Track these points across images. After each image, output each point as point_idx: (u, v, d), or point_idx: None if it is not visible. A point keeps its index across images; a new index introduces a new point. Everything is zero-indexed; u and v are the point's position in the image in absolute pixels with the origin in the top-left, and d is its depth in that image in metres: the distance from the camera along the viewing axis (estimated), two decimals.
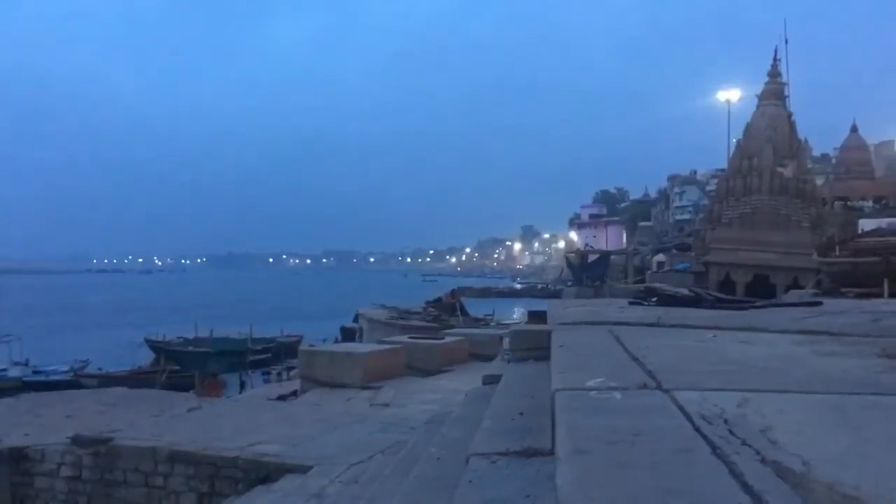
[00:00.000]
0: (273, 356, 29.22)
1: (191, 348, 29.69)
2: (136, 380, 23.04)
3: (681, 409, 2.26)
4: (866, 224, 22.14)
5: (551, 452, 2.31)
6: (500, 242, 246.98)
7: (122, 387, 17.21)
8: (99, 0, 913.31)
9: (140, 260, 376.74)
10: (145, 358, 29.32)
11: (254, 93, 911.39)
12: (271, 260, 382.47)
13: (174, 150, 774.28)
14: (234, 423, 9.75)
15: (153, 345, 30.84)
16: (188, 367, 25.89)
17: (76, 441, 9.18)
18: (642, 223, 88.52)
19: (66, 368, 27.22)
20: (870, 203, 45.70)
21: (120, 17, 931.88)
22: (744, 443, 1.86)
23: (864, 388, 2.64)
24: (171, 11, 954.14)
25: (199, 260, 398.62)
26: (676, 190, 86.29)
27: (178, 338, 31.85)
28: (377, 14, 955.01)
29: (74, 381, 23.95)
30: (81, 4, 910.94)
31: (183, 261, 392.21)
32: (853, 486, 1.51)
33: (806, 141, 39.59)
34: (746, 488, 1.52)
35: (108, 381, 22.64)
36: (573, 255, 63.97)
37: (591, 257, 55.20)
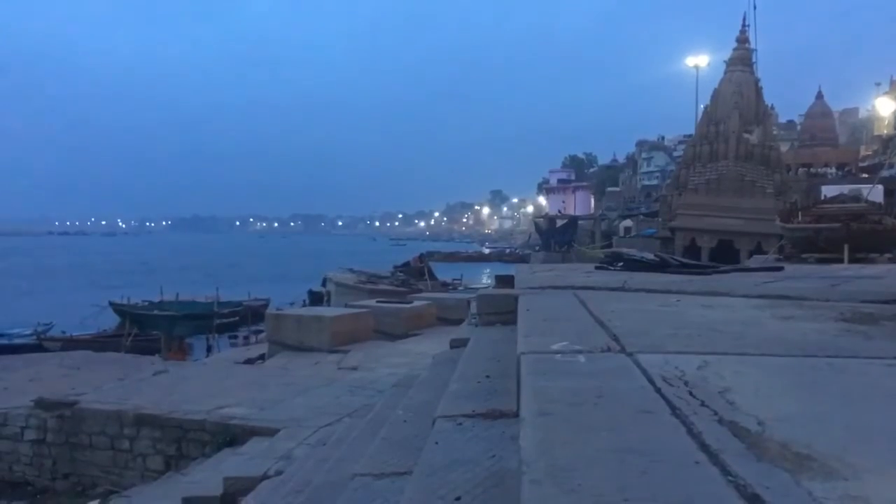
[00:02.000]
0: (240, 320, 29.07)
1: (156, 312, 29.41)
2: (101, 343, 22.77)
3: (643, 371, 2.30)
4: (829, 191, 22.44)
5: (516, 414, 2.35)
6: (468, 207, 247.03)
7: (86, 350, 17.03)
8: None
9: (103, 222, 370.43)
10: (110, 322, 28.99)
11: (226, 56, 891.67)
12: (238, 223, 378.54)
13: (139, 112, 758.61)
14: (201, 386, 9.73)
15: (118, 308, 30.47)
16: (154, 330, 25.68)
17: (40, 404, 9.10)
18: (610, 188, 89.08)
19: (28, 332, 26.81)
20: (833, 170, 46.34)
21: None
22: (703, 404, 1.90)
23: (820, 351, 2.71)
24: None
25: (163, 223, 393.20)
26: (644, 155, 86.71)
27: (144, 301, 31.50)
28: None
29: (37, 345, 23.61)
30: None
31: (147, 223, 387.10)
32: (805, 445, 1.56)
33: (772, 107, 39.92)
34: (704, 447, 1.56)
35: (72, 344, 22.33)
36: (542, 220, 64.44)
37: (560, 222, 55.68)
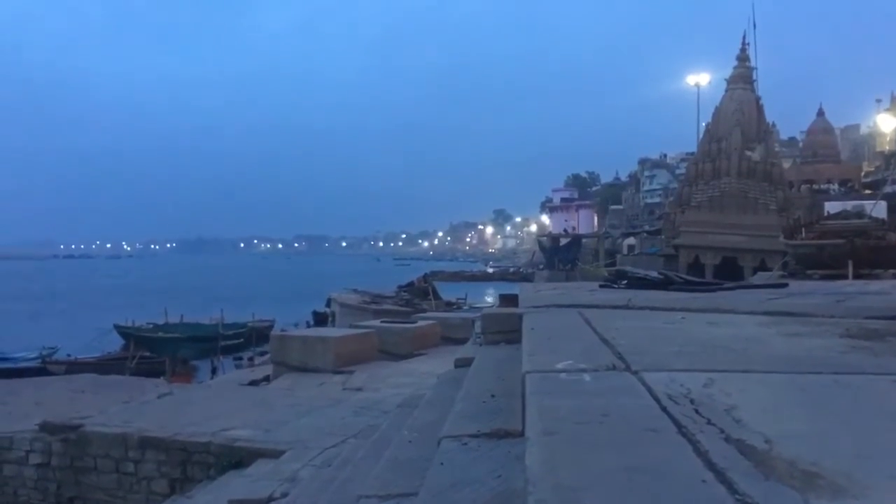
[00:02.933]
0: (245, 341, 29.04)
1: (161, 334, 29.43)
2: (106, 366, 22.72)
3: (648, 389, 2.29)
4: (832, 207, 22.46)
5: (522, 434, 2.34)
6: (472, 226, 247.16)
7: (91, 373, 17.01)
8: None
9: (108, 245, 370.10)
10: (115, 344, 29.00)
11: (232, 80, 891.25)
12: (242, 245, 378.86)
13: (145, 136, 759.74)
14: (206, 408, 9.71)
15: (123, 331, 30.51)
16: (159, 353, 25.66)
17: (45, 428, 9.08)
18: (613, 206, 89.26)
19: (34, 355, 26.81)
20: (835, 186, 46.39)
21: (104, 6, 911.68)
22: (709, 422, 1.90)
23: (827, 368, 2.69)
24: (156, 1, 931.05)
25: (168, 245, 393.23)
26: (647, 173, 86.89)
27: (148, 323, 31.53)
28: (358, 3, 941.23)
29: (42, 368, 23.61)
30: None
31: (152, 246, 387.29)
32: (813, 462, 1.56)
33: (773, 124, 40.11)
34: (711, 465, 1.55)
35: (76, 367, 22.31)
36: (545, 238, 64.50)
37: (563, 241, 55.73)
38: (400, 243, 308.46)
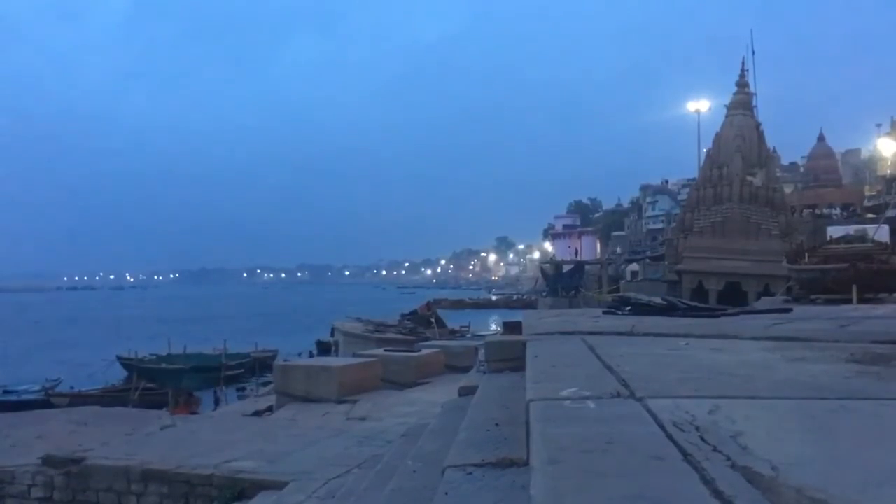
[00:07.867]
0: (248, 372, 28.98)
1: (164, 365, 29.35)
2: (109, 398, 22.68)
3: (653, 416, 2.28)
4: (834, 231, 22.44)
5: (526, 462, 2.33)
6: (475, 254, 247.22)
7: (94, 405, 16.94)
8: (113, 28, 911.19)
9: (111, 276, 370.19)
10: (118, 376, 28.93)
11: (246, 113, 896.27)
12: (245, 274, 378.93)
13: (148, 166, 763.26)
14: (209, 440, 9.65)
15: (126, 362, 30.45)
16: (162, 384, 25.59)
17: (47, 461, 9.02)
18: (616, 233, 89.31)
19: (37, 388, 26.77)
20: (837, 210, 46.42)
21: (131, 46, 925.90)
22: (715, 449, 1.88)
23: (832, 393, 2.68)
24: (182, 38, 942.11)
25: (171, 276, 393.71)
26: (649, 199, 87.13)
27: (151, 355, 31.47)
28: (375, 42, 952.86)
29: (46, 401, 23.54)
30: (95, 34, 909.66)
31: (155, 276, 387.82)
32: (820, 489, 1.54)
33: (774, 150, 40.24)
34: (717, 494, 1.54)
35: (79, 399, 22.26)
36: (548, 265, 64.37)
37: (566, 268, 55.63)
38: (403, 272, 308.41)
